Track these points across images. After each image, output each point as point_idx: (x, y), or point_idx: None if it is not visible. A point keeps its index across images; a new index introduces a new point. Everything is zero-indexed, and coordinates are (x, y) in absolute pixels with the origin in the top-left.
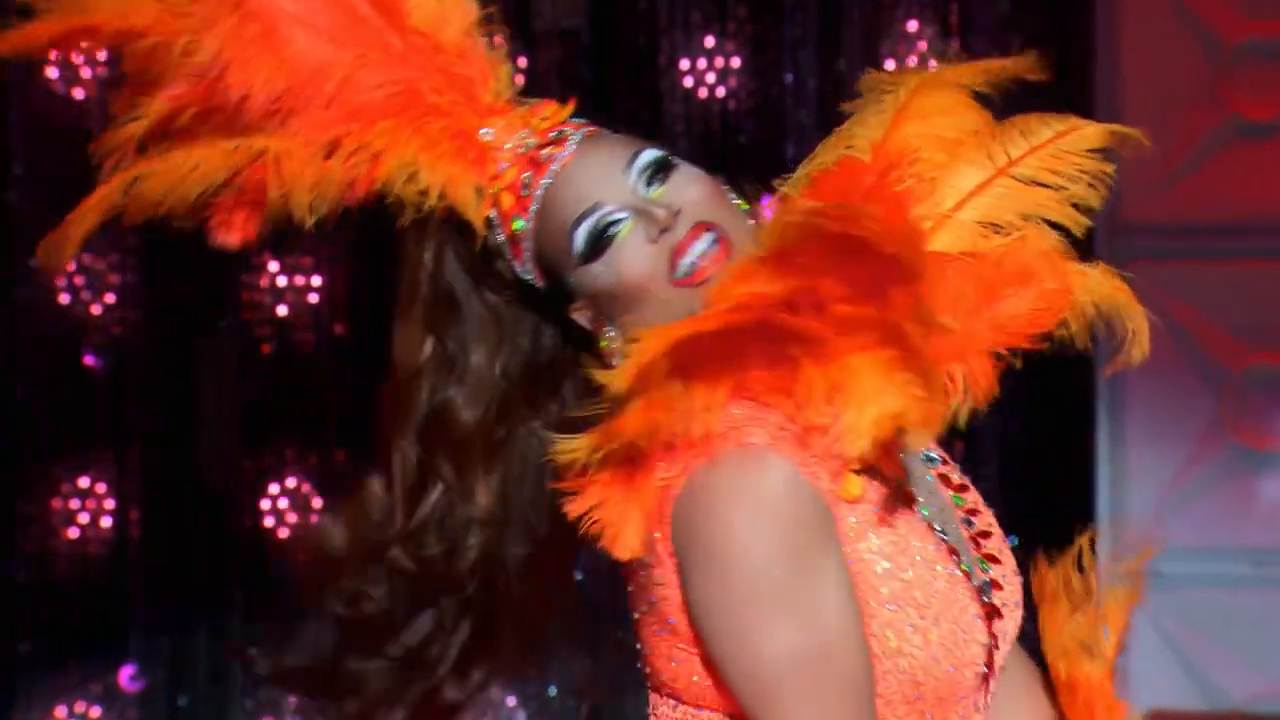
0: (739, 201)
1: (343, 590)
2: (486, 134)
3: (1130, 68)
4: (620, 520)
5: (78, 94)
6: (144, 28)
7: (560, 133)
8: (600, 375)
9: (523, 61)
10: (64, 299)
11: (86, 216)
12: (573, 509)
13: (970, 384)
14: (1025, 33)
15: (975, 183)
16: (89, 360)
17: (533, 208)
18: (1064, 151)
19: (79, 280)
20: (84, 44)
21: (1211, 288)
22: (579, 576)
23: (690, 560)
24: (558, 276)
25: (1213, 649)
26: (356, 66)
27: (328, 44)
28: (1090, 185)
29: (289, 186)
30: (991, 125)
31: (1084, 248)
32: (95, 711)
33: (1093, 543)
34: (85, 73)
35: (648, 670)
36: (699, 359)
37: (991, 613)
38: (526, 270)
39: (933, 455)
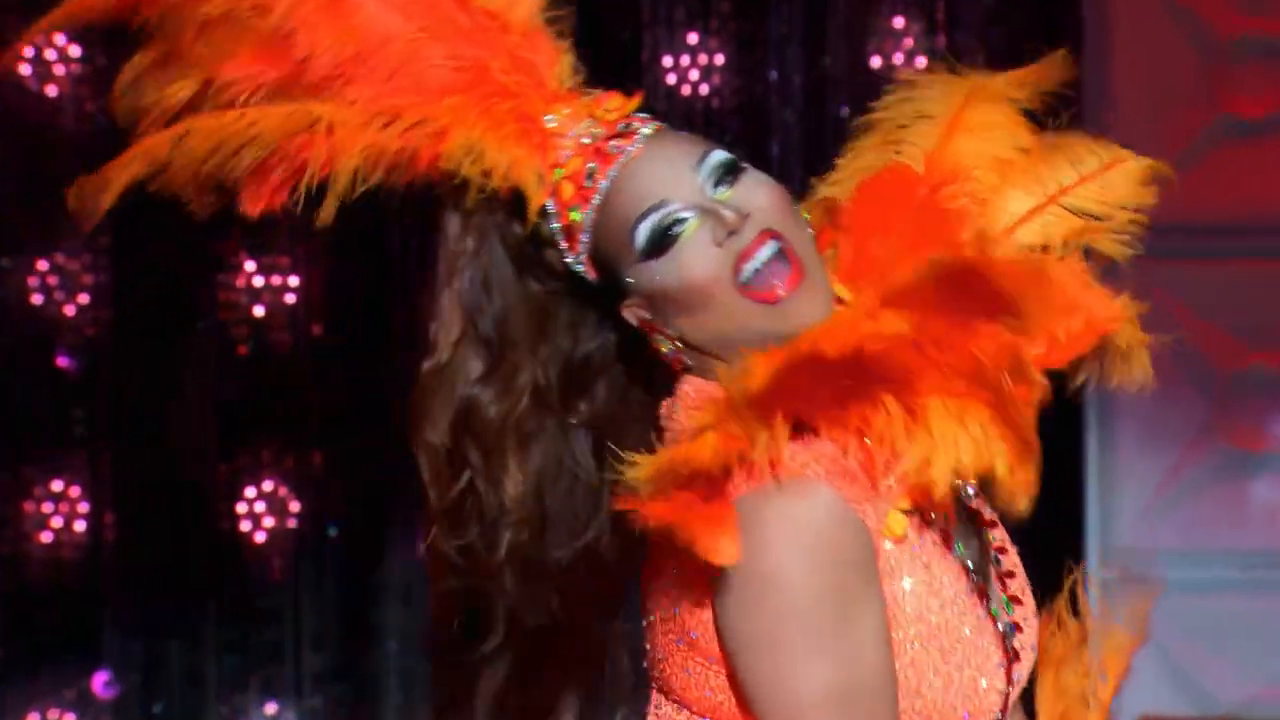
0: (802, 210)
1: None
2: (551, 120)
3: (1121, 65)
4: (714, 530)
5: (50, 91)
6: None
7: (628, 125)
8: (725, 380)
9: None
10: (37, 299)
11: (131, 164)
12: (651, 521)
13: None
14: (1012, 28)
15: (1025, 207)
16: (62, 361)
17: (595, 199)
18: (1110, 183)
19: (52, 280)
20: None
21: (1204, 288)
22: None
23: (731, 583)
24: (612, 272)
25: (1202, 653)
26: (424, 39)
27: (395, 14)
28: (1132, 219)
29: (337, 153)
30: (1038, 144)
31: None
32: (69, 717)
33: (1085, 579)
34: (59, 70)
35: (655, 673)
36: (784, 391)
37: (1012, 658)
38: (579, 262)
39: (969, 488)
